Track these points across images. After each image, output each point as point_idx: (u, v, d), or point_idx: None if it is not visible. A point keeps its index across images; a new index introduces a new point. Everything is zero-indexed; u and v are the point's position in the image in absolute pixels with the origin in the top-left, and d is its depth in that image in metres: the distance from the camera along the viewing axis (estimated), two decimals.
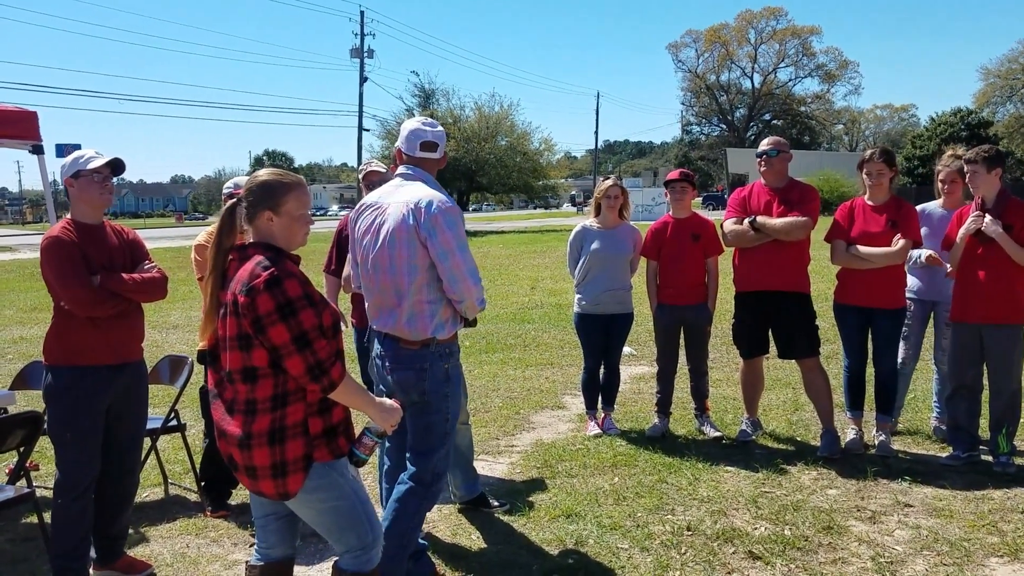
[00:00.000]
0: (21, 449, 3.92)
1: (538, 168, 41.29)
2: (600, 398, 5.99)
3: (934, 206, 5.56)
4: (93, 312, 3.62)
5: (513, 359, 8.74)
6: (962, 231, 4.93)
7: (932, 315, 5.56)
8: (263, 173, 2.79)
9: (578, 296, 5.89)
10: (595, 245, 5.76)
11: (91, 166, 3.66)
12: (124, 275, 3.71)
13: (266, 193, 2.72)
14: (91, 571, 3.84)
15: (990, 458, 5.02)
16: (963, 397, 5.07)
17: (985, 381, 5.05)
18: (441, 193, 3.42)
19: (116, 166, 3.74)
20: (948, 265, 5.16)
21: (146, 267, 3.84)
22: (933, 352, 5.69)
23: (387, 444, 3.77)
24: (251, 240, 2.75)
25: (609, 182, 5.89)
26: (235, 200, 2.79)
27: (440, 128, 3.61)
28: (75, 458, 3.67)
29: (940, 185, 5.53)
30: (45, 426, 3.88)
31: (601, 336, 5.84)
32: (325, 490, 2.70)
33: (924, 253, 5.26)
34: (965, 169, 4.97)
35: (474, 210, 68.50)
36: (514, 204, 77.73)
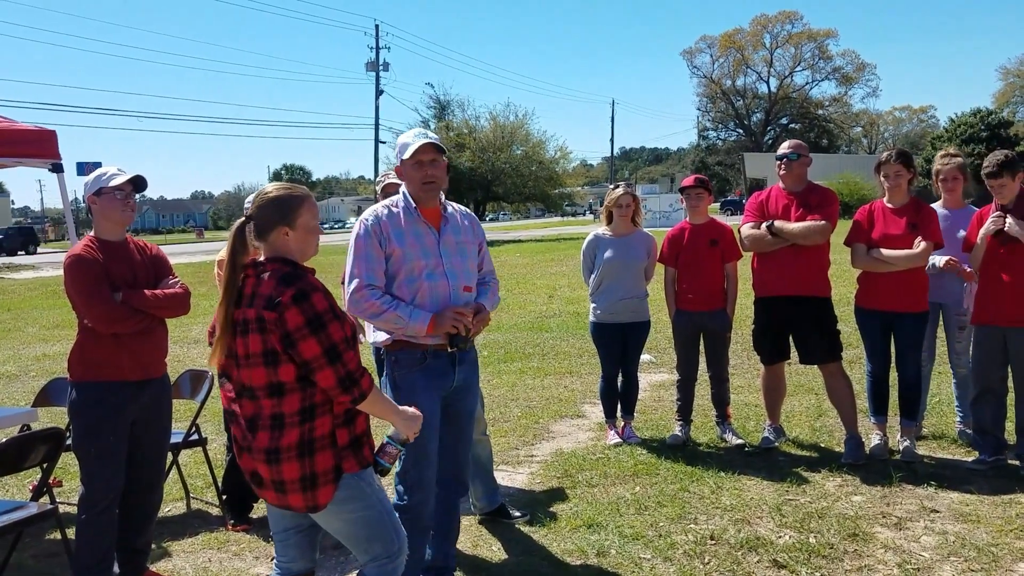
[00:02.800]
0: (44, 465, 3.94)
1: (554, 176, 41.31)
2: (619, 406, 5.96)
3: (935, 207, 5.50)
4: (115, 329, 3.63)
5: (532, 368, 8.72)
6: (982, 232, 4.88)
7: (941, 316, 5.51)
8: (271, 189, 2.80)
9: (593, 305, 5.87)
10: (608, 253, 5.74)
11: (113, 183, 3.69)
12: (147, 291, 3.73)
13: (280, 209, 2.73)
14: None
15: (1017, 462, 4.95)
16: (988, 401, 5.00)
17: (1010, 384, 4.98)
18: (381, 204, 3.52)
19: (138, 183, 3.77)
20: (968, 267, 5.12)
21: (169, 283, 3.86)
22: (948, 355, 5.63)
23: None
24: (264, 256, 2.76)
25: (620, 191, 5.87)
26: (243, 219, 2.79)
27: (403, 138, 3.53)
28: (99, 473, 3.68)
29: (940, 185, 5.50)
30: (69, 442, 3.90)
31: (618, 345, 5.81)
32: (354, 500, 2.72)
33: (942, 259, 5.21)
34: (990, 183, 4.88)
35: (491, 220, 68.54)
36: (531, 213, 77.78)
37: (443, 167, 3.51)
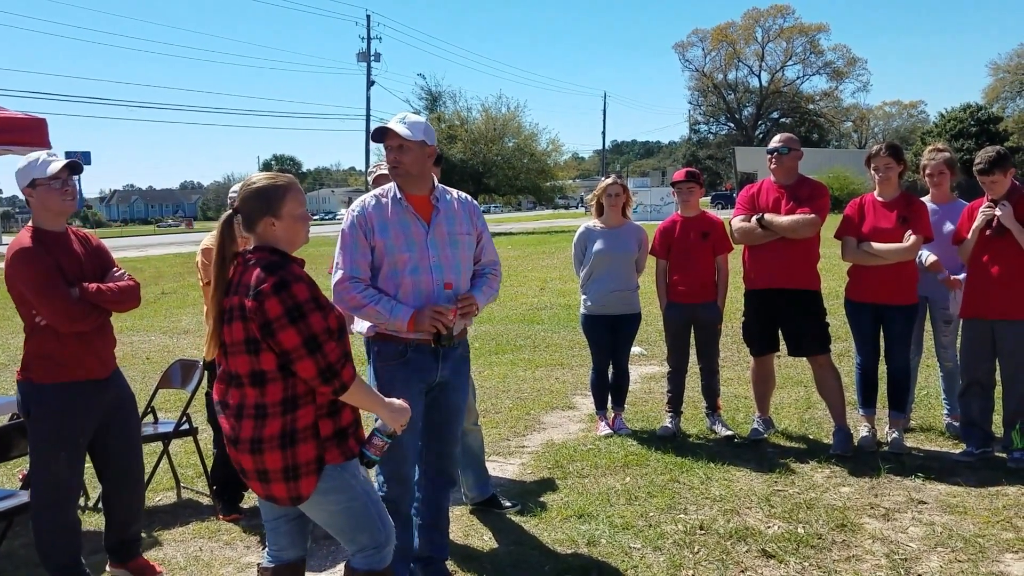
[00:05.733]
0: None
1: (546, 169, 41.27)
2: (610, 398, 5.98)
3: (924, 201, 5.52)
4: (76, 327, 3.44)
5: (523, 360, 8.73)
6: (974, 226, 4.91)
7: (928, 310, 5.55)
8: (256, 179, 2.78)
9: (584, 297, 5.88)
10: (598, 245, 5.75)
11: (49, 172, 3.44)
12: (102, 286, 3.54)
13: (264, 200, 2.71)
14: (107, 568, 3.87)
15: (1004, 454, 4.99)
16: (976, 393, 5.04)
17: (998, 376, 5.02)
18: (370, 194, 3.51)
19: (73, 167, 3.53)
20: (953, 276, 5.22)
21: (116, 274, 3.67)
22: (935, 349, 5.67)
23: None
24: (253, 245, 2.76)
25: (609, 180, 5.90)
26: (231, 211, 2.78)
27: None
28: (67, 477, 3.55)
29: (928, 180, 5.52)
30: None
31: (608, 337, 5.82)
32: (337, 492, 2.71)
33: (929, 258, 5.24)
34: (981, 179, 4.91)
35: (483, 212, 68.46)
36: (522, 205, 77.73)
37: (412, 153, 3.35)
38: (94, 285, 3.53)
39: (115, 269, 3.72)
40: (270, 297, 2.56)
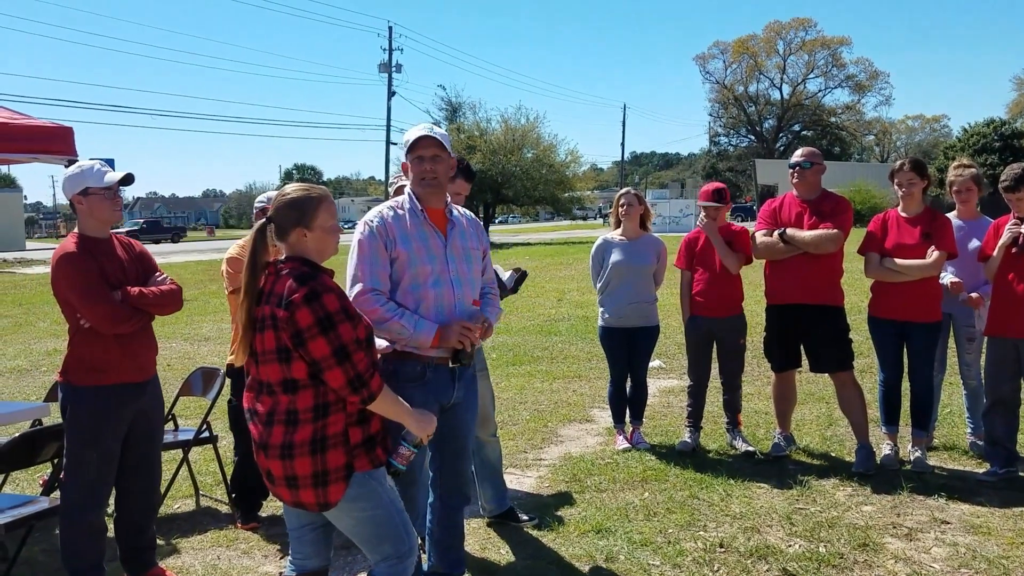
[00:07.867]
0: (55, 461, 3.96)
1: (564, 180, 41.24)
2: (628, 411, 5.95)
3: (950, 218, 5.47)
4: (119, 329, 3.53)
5: (540, 371, 8.71)
6: (1000, 243, 4.85)
7: (951, 327, 5.49)
8: (290, 190, 2.82)
9: (601, 309, 5.87)
10: (615, 257, 5.74)
11: (106, 182, 3.54)
12: (143, 289, 3.63)
13: (297, 211, 2.75)
14: None
15: None
16: (1000, 412, 4.98)
17: (1023, 395, 4.95)
18: (385, 205, 3.43)
19: (126, 180, 3.62)
20: (974, 294, 5.19)
21: (159, 279, 3.76)
22: (959, 367, 5.60)
23: (429, 453, 3.63)
24: (284, 255, 2.78)
25: (623, 190, 5.94)
26: (264, 220, 2.82)
27: (408, 133, 3.43)
28: (99, 479, 3.60)
29: (954, 196, 5.48)
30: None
31: (626, 349, 5.80)
32: (365, 499, 2.74)
33: (949, 279, 5.19)
34: (1007, 197, 4.87)
35: (500, 222, 68.59)
36: (540, 216, 77.79)
37: (445, 164, 3.34)
38: (136, 289, 3.62)
39: (157, 274, 3.80)
40: (301, 307, 2.60)
